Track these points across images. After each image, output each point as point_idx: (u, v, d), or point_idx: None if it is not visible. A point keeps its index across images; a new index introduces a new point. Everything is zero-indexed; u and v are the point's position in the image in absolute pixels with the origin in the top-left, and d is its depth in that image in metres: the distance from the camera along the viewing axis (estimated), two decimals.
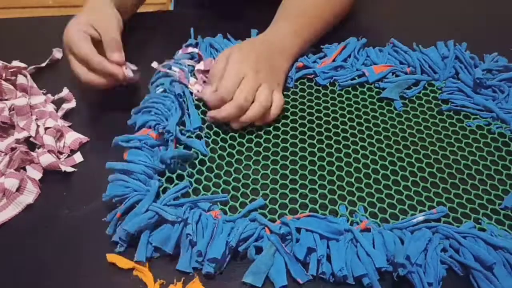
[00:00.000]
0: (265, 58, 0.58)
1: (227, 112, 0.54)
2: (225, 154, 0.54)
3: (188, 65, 0.62)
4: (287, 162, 0.54)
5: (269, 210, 0.49)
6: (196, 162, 0.53)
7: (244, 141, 0.56)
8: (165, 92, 0.58)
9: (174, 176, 0.51)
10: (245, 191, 0.51)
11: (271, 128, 0.58)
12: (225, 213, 0.49)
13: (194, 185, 0.51)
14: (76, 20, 0.57)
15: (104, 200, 0.48)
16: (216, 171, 0.53)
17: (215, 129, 0.56)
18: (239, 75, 0.55)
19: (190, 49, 0.64)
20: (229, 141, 0.56)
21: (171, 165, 0.51)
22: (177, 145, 0.54)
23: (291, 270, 0.44)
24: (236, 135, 0.56)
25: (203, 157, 0.53)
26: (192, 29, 0.64)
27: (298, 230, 0.46)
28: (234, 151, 0.55)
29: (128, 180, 0.49)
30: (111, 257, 0.45)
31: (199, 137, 0.55)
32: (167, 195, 0.48)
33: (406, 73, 0.64)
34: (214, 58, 0.63)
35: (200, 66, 0.62)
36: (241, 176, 0.53)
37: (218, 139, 0.56)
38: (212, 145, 0.55)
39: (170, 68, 0.61)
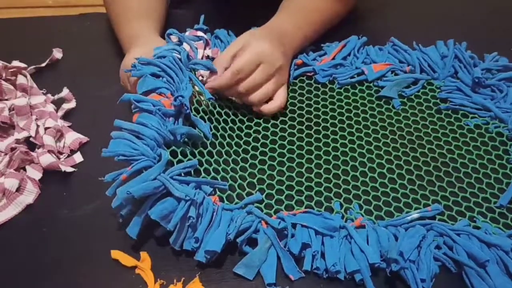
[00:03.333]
0: (278, 46, 0.57)
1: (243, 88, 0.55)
2: (225, 143, 0.54)
3: (196, 48, 0.59)
4: (284, 159, 0.54)
5: (265, 205, 0.50)
6: (198, 143, 0.52)
7: (242, 134, 0.56)
8: (180, 61, 0.55)
9: (178, 151, 0.49)
10: (242, 183, 0.51)
11: (269, 125, 0.58)
12: (222, 200, 0.49)
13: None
14: (132, 55, 0.56)
15: (104, 155, 0.45)
16: (215, 157, 0.52)
17: (216, 116, 0.56)
18: (256, 61, 0.55)
19: (200, 33, 0.61)
20: (228, 131, 0.56)
21: (180, 140, 0.49)
22: (184, 122, 0.52)
23: (284, 266, 0.44)
24: (235, 126, 0.57)
25: (205, 141, 0.52)
26: (202, 16, 0.62)
27: (294, 226, 0.46)
28: (233, 142, 0.55)
29: (136, 142, 0.46)
30: (115, 254, 0.46)
31: (203, 119, 0.54)
32: (175, 169, 0.46)
33: (405, 72, 0.64)
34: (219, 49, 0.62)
35: (208, 52, 0.60)
36: (239, 168, 0.53)
37: (219, 126, 0.55)
38: (213, 131, 0.54)
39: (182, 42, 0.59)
